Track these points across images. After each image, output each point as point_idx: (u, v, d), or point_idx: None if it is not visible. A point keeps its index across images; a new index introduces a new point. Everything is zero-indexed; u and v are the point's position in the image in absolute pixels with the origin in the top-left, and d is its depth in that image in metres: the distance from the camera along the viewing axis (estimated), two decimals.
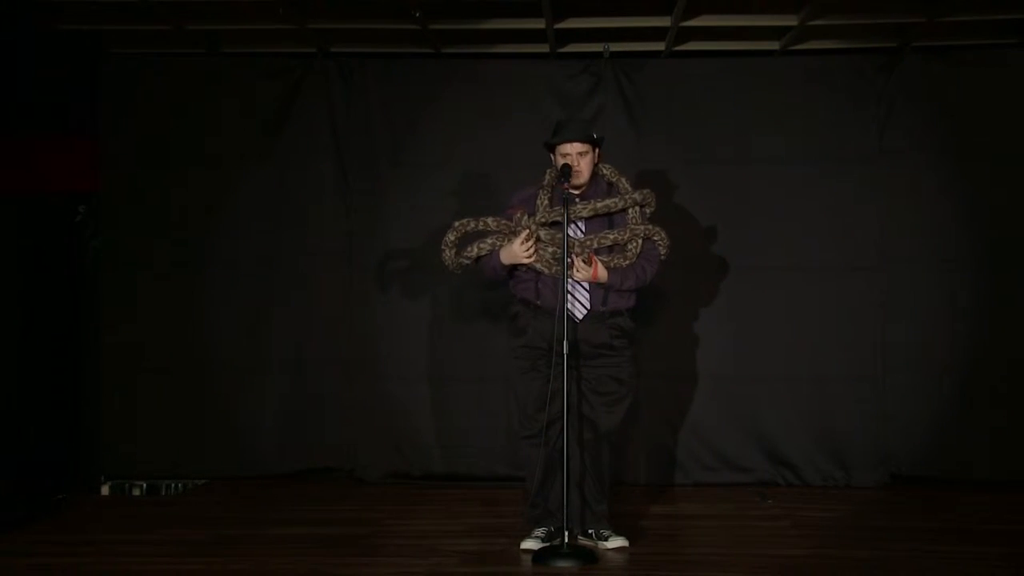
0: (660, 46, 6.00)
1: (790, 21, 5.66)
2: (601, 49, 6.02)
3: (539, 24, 5.66)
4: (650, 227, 4.50)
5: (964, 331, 5.91)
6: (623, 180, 4.57)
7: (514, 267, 4.50)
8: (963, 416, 5.89)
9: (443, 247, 4.58)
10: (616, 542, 4.45)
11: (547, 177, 4.57)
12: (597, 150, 4.53)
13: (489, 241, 4.53)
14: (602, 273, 4.38)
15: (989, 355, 5.89)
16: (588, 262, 4.34)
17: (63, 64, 6.15)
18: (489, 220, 4.57)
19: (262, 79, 6.13)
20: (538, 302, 4.45)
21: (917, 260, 5.94)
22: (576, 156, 4.43)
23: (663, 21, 5.66)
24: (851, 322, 5.92)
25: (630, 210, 4.49)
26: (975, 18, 5.63)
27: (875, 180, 5.96)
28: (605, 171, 4.60)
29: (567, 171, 4.38)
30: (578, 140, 4.43)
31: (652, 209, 4.58)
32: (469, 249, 4.55)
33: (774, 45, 6.00)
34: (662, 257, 4.54)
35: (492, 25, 5.75)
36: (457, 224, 4.58)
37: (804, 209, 5.95)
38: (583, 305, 4.43)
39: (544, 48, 6.05)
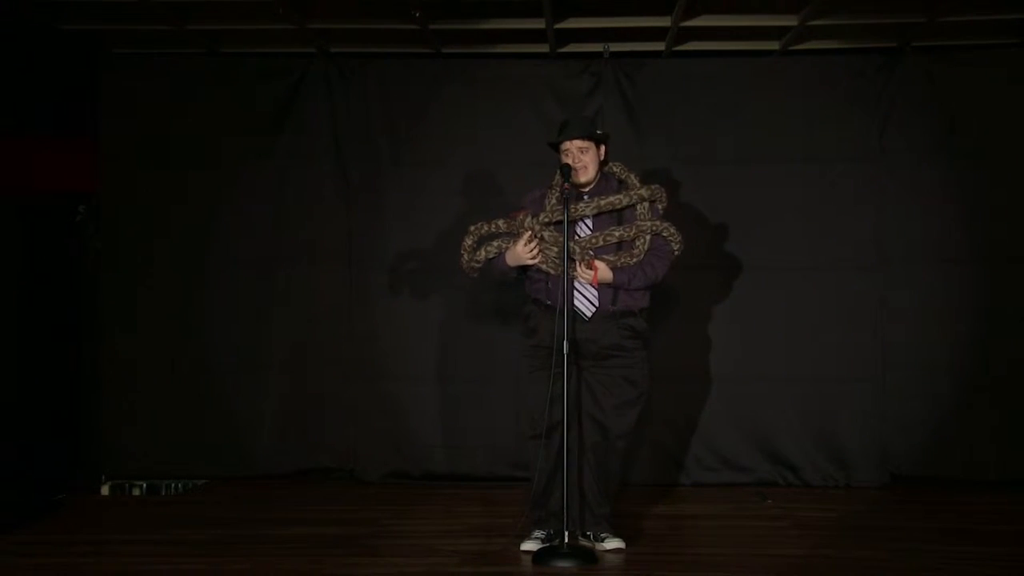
0: (660, 46, 6.00)
1: (790, 21, 5.66)
2: (601, 49, 6.03)
3: (539, 24, 5.66)
4: (658, 223, 4.47)
5: (964, 331, 5.91)
6: (632, 177, 4.56)
7: (525, 268, 4.50)
8: (963, 416, 5.89)
9: (462, 251, 4.57)
10: (613, 543, 4.44)
11: (556, 177, 4.57)
12: (603, 147, 4.54)
13: (495, 244, 4.53)
14: (605, 275, 4.36)
15: (989, 355, 5.89)
16: (589, 266, 4.34)
17: (63, 64, 6.15)
18: (501, 222, 4.57)
19: (262, 79, 6.13)
20: (548, 302, 4.44)
21: (917, 260, 5.94)
22: (577, 153, 4.44)
23: (663, 21, 5.66)
24: (851, 322, 5.92)
25: (638, 206, 4.48)
26: (975, 18, 5.63)
27: (875, 180, 5.96)
28: (615, 169, 4.60)
29: (567, 171, 4.39)
30: (576, 137, 4.44)
31: (664, 205, 4.56)
32: (478, 253, 4.55)
33: (774, 45, 6.00)
34: (675, 253, 4.51)
35: (492, 25, 5.75)
36: (473, 228, 4.59)
37: (804, 209, 5.95)
38: (591, 303, 4.41)
39: (544, 48, 6.05)
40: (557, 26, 5.71)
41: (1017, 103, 5.92)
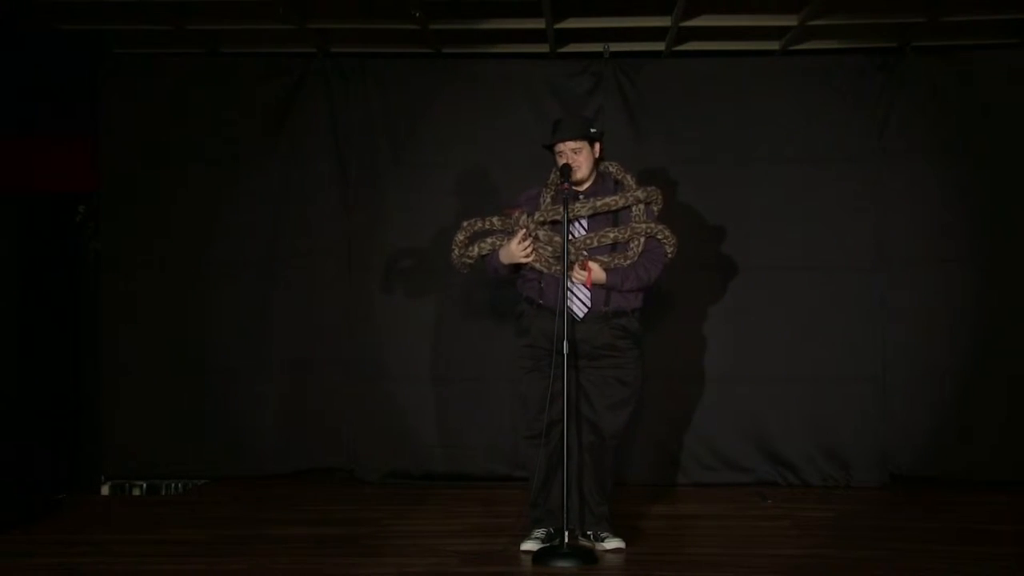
0: (660, 46, 6.00)
1: (790, 21, 5.66)
2: (601, 49, 6.03)
3: (539, 24, 5.66)
4: (652, 225, 4.46)
5: (964, 331, 5.91)
6: (628, 177, 4.55)
7: (519, 266, 4.49)
8: (963, 416, 5.89)
9: (452, 247, 4.58)
10: (613, 543, 4.43)
11: (552, 176, 4.57)
12: (598, 145, 4.52)
13: (489, 241, 4.53)
14: (599, 276, 4.36)
15: (989, 355, 5.89)
16: (583, 267, 4.33)
17: (63, 64, 6.15)
18: (495, 219, 4.57)
19: (262, 79, 6.13)
20: (541, 301, 4.44)
21: (917, 260, 5.94)
22: (570, 153, 4.43)
23: (663, 21, 5.66)
24: (851, 322, 5.92)
25: (633, 208, 4.48)
26: (975, 18, 5.63)
27: (875, 180, 5.96)
28: (611, 169, 4.59)
29: (567, 171, 4.38)
30: (568, 139, 4.43)
31: (659, 207, 4.55)
32: (471, 249, 4.55)
33: (774, 45, 6.00)
34: (669, 256, 4.49)
35: (492, 25, 5.75)
36: (466, 224, 4.59)
37: (804, 209, 5.95)
38: (584, 304, 4.41)
39: (544, 48, 6.05)
40: (557, 26, 5.71)
41: (1017, 103, 5.92)
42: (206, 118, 6.11)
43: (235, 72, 6.15)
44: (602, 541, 4.45)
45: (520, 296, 4.58)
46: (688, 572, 4.13)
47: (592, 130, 4.49)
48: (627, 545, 4.44)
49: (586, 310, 4.41)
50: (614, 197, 4.47)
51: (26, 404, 6.22)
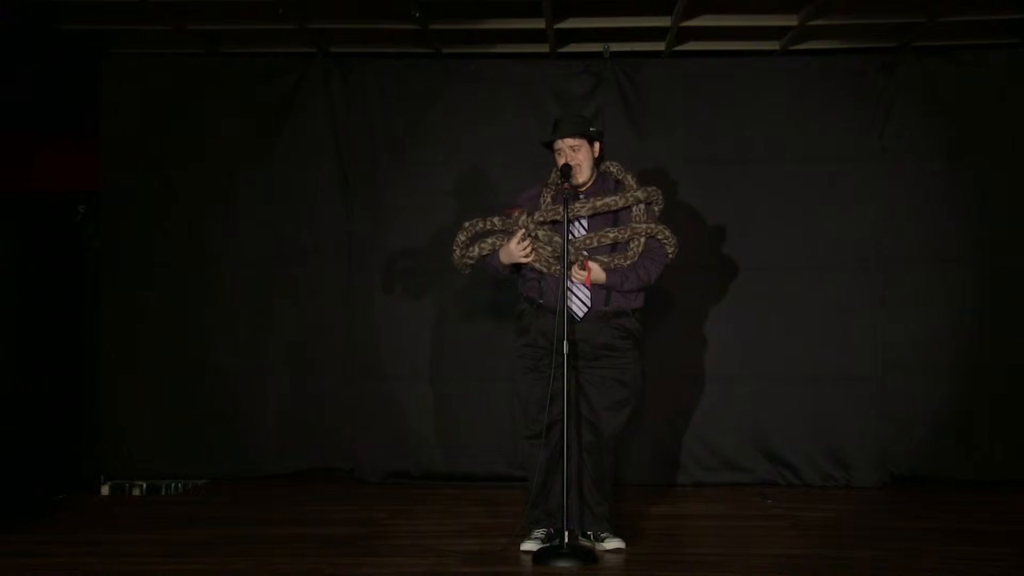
0: (660, 46, 6.00)
1: (790, 21, 5.66)
2: (601, 49, 6.03)
3: (539, 24, 5.66)
4: (652, 226, 4.46)
5: (963, 331, 5.92)
6: (629, 177, 4.54)
7: (519, 266, 4.49)
8: (963, 416, 5.89)
9: (454, 247, 4.58)
10: (613, 543, 4.42)
11: (552, 176, 4.56)
12: (597, 144, 4.52)
13: (489, 241, 4.53)
14: (599, 276, 4.36)
15: (988, 355, 5.89)
16: (583, 267, 4.33)
17: (63, 64, 6.16)
18: (496, 220, 4.56)
19: (262, 79, 6.13)
20: (541, 300, 4.43)
21: (917, 260, 5.95)
22: (569, 151, 4.43)
23: (663, 21, 5.66)
24: (850, 322, 5.92)
25: (634, 208, 4.47)
26: (975, 18, 5.63)
27: (875, 180, 5.96)
28: (612, 168, 4.58)
29: (567, 170, 4.38)
30: (568, 136, 4.43)
31: (660, 207, 4.55)
32: (471, 249, 4.55)
33: (774, 45, 6.00)
34: (669, 256, 4.49)
35: (492, 25, 5.75)
36: (467, 224, 4.58)
37: (804, 209, 5.95)
38: (583, 303, 4.41)
39: (544, 48, 6.06)
40: (557, 26, 5.71)
41: (1017, 103, 5.93)
42: (206, 118, 6.12)
43: (235, 72, 6.15)
44: (602, 541, 4.44)
45: (520, 296, 4.58)
46: (688, 572, 4.13)
47: (591, 129, 4.49)
48: (627, 545, 4.43)
49: (586, 310, 4.41)
50: (614, 197, 4.46)
51: (26, 404, 6.22)
